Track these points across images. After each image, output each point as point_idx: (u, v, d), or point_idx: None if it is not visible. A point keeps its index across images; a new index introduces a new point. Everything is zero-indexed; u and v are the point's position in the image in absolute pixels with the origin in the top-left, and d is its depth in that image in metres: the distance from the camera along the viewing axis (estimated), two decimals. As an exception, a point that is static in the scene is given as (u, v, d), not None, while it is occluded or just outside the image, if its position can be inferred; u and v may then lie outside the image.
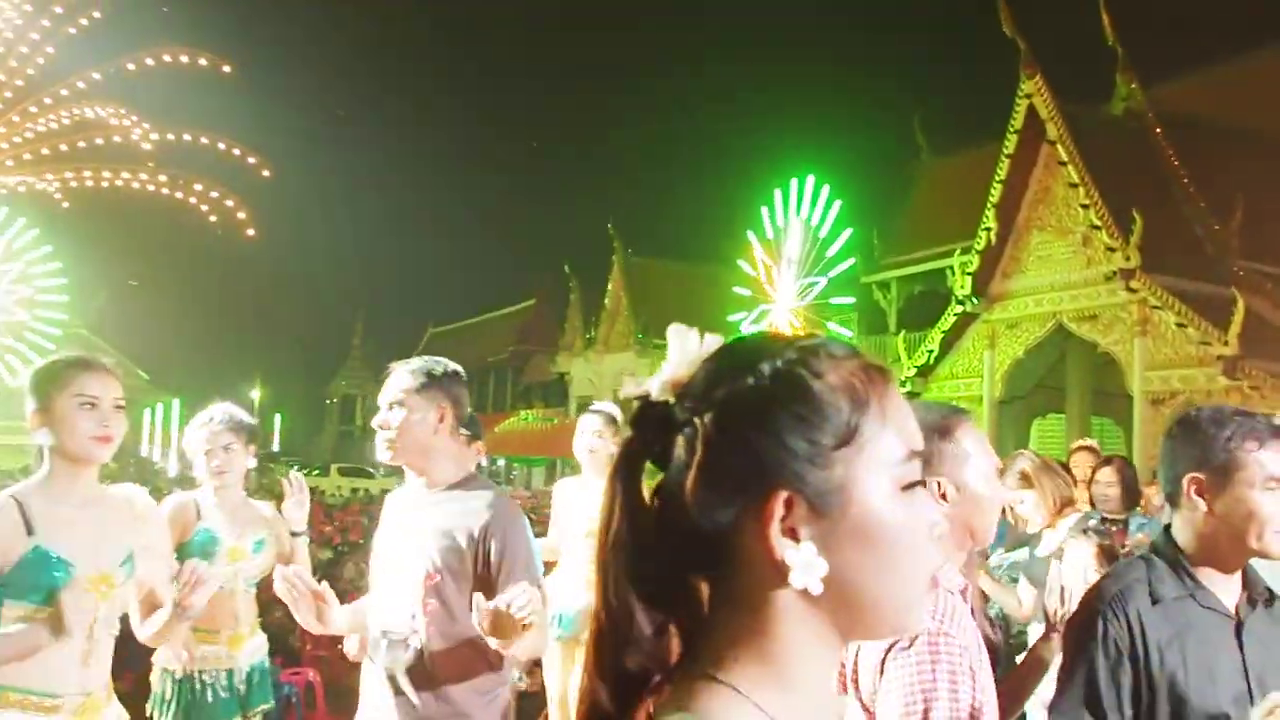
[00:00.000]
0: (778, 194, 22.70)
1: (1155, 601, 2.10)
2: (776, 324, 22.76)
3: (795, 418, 0.83)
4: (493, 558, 2.69)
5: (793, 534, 0.82)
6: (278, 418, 60.15)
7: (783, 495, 0.82)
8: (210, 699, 3.80)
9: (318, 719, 6.61)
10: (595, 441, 4.91)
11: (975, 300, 19.21)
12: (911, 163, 27.52)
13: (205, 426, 3.91)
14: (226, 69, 18.17)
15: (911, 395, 17.66)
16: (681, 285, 32.03)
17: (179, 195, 18.44)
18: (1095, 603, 2.17)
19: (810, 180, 22.25)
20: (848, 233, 21.90)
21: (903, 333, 22.72)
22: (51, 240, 18.01)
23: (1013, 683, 2.70)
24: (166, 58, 17.89)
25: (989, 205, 18.81)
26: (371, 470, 40.33)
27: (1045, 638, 2.79)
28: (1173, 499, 2.17)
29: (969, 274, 19.17)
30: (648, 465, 0.89)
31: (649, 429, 0.88)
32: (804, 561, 0.81)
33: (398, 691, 2.69)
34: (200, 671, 3.81)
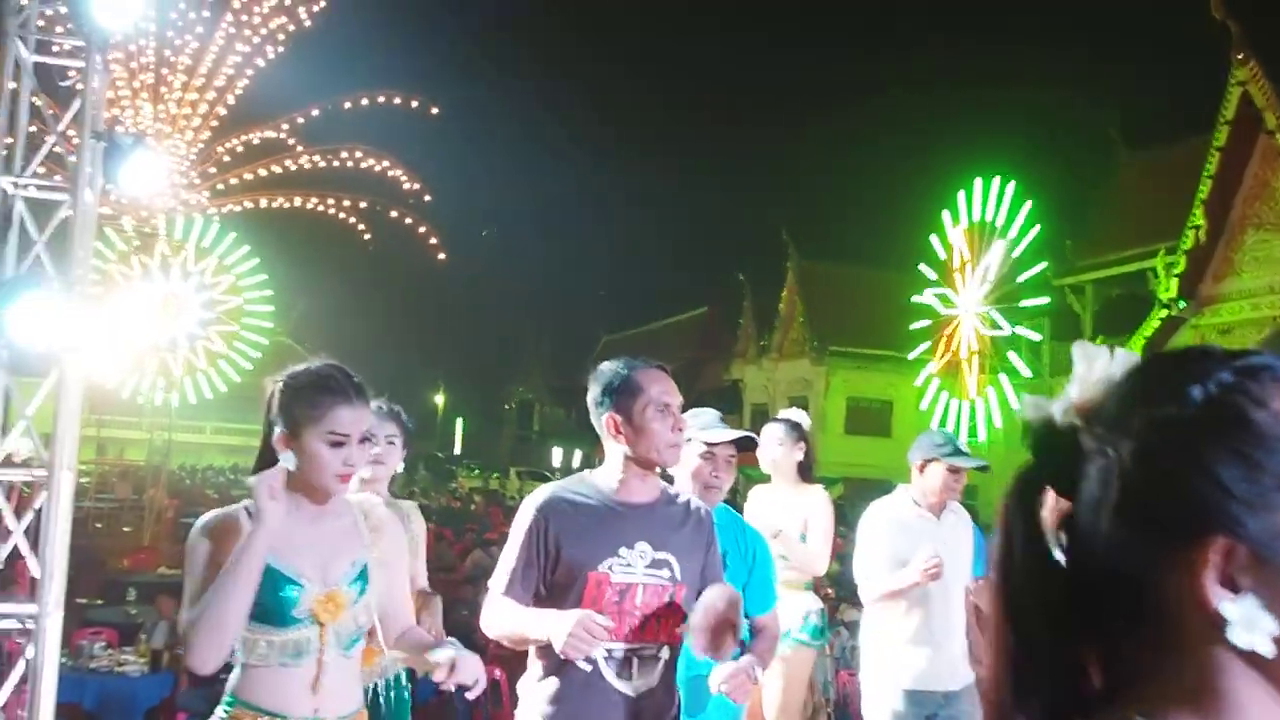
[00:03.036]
0: (963, 195, 21.89)
1: None
2: (962, 327, 21.92)
3: (1234, 453, 0.73)
4: (708, 565, 2.75)
5: (1230, 584, 0.73)
6: (459, 422, 62.55)
7: (1220, 542, 0.72)
8: None
9: (503, 717, 6.65)
10: (778, 450, 4.99)
11: (1182, 304, 18.54)
12: (1108, 159, 26.57)
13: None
14: (435, 110, 20.46)
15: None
16: (857, 291, 31.48)
17: (368, 235, 20.13)
18: None
19: (997, 181, 21.37)
20: (1023, 211, 20.84)
21: (1099, 339, 21.56)
22: (258, 255, 19.82)
23: None
24: (381, 99, 20.37)
25: (1197, 202, 18.30)
26: (548, 474, 41.33)
27: None
28: None
29: (1175, 276, 18.65)
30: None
31: (1053, 457, 0.82)
32: (1245, 617, 0.72)
33: (647, 709, 2.64)
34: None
